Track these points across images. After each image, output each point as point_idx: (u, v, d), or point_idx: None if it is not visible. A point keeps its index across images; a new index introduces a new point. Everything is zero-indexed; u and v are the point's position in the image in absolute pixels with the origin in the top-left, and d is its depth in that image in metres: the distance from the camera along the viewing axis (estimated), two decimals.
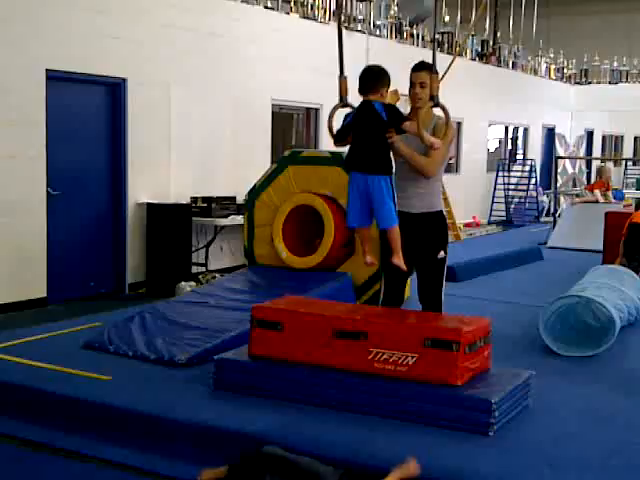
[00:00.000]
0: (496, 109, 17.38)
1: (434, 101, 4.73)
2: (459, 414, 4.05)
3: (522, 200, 18.01)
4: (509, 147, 19.50)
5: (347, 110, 4.76)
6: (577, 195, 12.12)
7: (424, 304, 5.01)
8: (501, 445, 3.89)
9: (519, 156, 19.37)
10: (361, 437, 3.92)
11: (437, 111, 4.85)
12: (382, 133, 4.55)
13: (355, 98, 4.74)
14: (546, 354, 5.73)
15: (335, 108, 4.84)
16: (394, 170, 4.66)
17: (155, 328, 5.63)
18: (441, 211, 4.99)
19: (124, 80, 8.62)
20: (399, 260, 4.68)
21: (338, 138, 4.77)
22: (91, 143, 8.51)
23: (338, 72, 4.90)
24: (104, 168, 8.69)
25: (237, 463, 3.64)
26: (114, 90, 8.63)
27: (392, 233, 4.66)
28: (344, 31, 7.83)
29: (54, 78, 7.91)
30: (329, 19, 11.71)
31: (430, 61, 4.89)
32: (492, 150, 18.89)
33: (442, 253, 4.95)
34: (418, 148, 4.75)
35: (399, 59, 7.99)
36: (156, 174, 9.13)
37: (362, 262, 6.40)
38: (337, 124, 4.78)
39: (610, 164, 17.86)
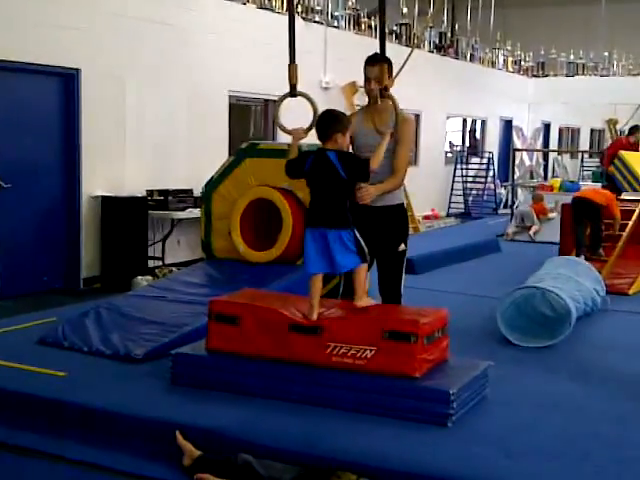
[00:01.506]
0: (454, 101, 17.46)
1: (385, 92, 4.70)
2: (418, 405, 4.06)
3: (480, 192, 18.15)
4: (467, 140, 19.61)
5: (296, 100, 4.62)
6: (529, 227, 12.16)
7: (384, 296, 5.01)
8: (459, 435, 3.90)
9: (477, 148, 19.49)
10: (320, 430, 3.91)
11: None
12: (340, 189, 4.32)
13: (307, 85, 4.61)
14: (503, 345, 5.77)
15: (283, 97, 4.76)
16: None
17: (111, 323, 5.55)
18: (402, 204, 4.99)
19: (77, 71, 8.47)
20: (363, 303, 4.44)
21: (289, 171, 4.55)
22: (44, 135, 8.36)
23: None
24: (57, 161, 8.54)
25: (209, 457, 3.65)
26: (67, 81, 8.48)
27: (357, 273, 4.41)
28: (302, 22, 7.81)
29: (4, 69, 7.75)
30: (286, 9, 11.63)
31: (388, 53, 4.88)
32: (456, 145, 18.99)
33: (402, 246, 4.95)
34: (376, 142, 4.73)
35: (357, 50, 7.95)
36: (111, 167, 9.00)
37: None
38: (288, 116, 4.67)
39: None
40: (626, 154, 11.54)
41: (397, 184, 4.83)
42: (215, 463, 3.68)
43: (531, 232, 12.09)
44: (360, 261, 4.38)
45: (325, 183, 4.34)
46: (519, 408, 4.39)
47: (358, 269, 4.41)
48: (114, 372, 4.83)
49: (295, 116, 5.09)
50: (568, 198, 11.33)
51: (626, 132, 13.39)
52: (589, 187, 10.02)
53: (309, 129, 4.83)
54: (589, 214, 8.77)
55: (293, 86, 4.75)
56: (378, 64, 4.79)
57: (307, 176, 4.44)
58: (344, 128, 4.36)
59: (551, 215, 12.12)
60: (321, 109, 4.71)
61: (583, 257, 8.28)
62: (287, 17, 5.18)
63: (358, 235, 4.38)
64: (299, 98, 4.99)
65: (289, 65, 4.73)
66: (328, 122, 4.36)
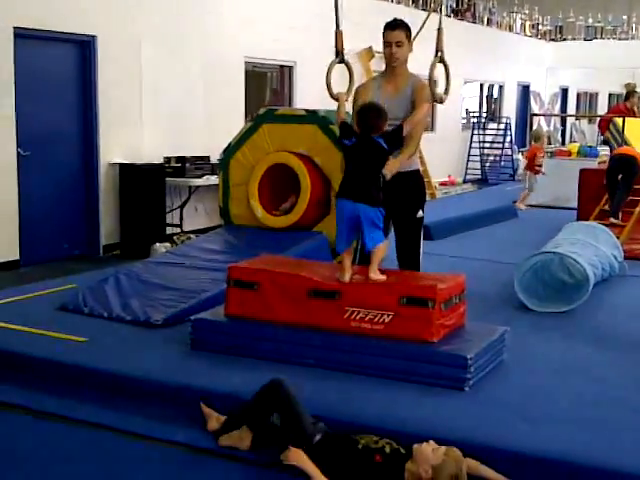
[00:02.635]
0: (471, 66, 17.27)
1: (440, 57, 4.69)
2: (435, 370, 4.09)
3: (497, 159, 18.03)
4: (484, 105, 19.45)
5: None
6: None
7: (401, 262, 5.03)
8: (476, 400, 3.93)
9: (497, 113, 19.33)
10: (338, 394, 3.95)
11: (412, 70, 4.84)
12: (380, 161, 4.39)
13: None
14: (521, 310, 5.78)
15: (332, 64, 4.74)
16: None
17: (130, 289, 5.60)
18: (418, 170, 4.99)
19: (94, 37, 8.45)
20: (374, 274, 4.43)
21: (341, 132, 4.57)
22: (61, 102, 8.37)
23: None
24: (75, 128, 8.56)
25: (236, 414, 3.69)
26: (84, 48, 8.47)
27: (381, 250, 4.46)
28: None
29: (22, 36, 7.74)
30: None
31: (404, 18, 4.85)
32: (472, 112, 18.80)
33: (420, 212, 4.95)
34: (399, 109, 4.71)
35: (373, 15, 7.91)
36: (128, 134, 9.01)
37: None
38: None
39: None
40: (619, 120, 11.43)
41: (413, 151, 4.80)
42: (242, 417, 3.72)
43: (518, 203, 11.55)
44: (384, 238, 4.46)
45: (367, 158, 4.38)
46: (536, 373, 4.41)
47: (380, 245, 4.43)
48: (134, 338, 4.89)
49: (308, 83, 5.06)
50: (586, 163, 11.30)
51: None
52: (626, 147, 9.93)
53: (349, 91, 5.04)
54: (628, 172, 8.81)
55: (339, 52, 4.72)
56: (399, 28, 4.77)
57: (348, 150, 4.47)
58: (386, 122, 4.41)
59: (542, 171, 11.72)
60: (338, 75, 4.71)
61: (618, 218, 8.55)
62: None
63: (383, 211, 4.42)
64: (319, 64, 4.96)
65: (335, 31, 4.72)
66: (375, 118, 4.39)
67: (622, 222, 8.57)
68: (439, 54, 4.89)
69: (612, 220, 8.52)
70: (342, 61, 4.70)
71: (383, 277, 4.45)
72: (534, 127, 18.00)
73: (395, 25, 4.80)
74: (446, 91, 4.77)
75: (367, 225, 4.33)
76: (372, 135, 4.37)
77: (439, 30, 4.73)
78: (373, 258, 4.44)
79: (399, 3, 14.29)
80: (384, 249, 4.48)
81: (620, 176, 8.89)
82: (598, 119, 14.11)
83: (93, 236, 8.74)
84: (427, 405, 3.84)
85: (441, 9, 4.96)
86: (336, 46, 4.71)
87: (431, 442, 3.30)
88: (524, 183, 12.05)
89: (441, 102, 4.82)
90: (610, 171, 9.02)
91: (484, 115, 18.93)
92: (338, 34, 4.75)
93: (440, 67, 4.87)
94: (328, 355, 4.31)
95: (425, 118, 4.88)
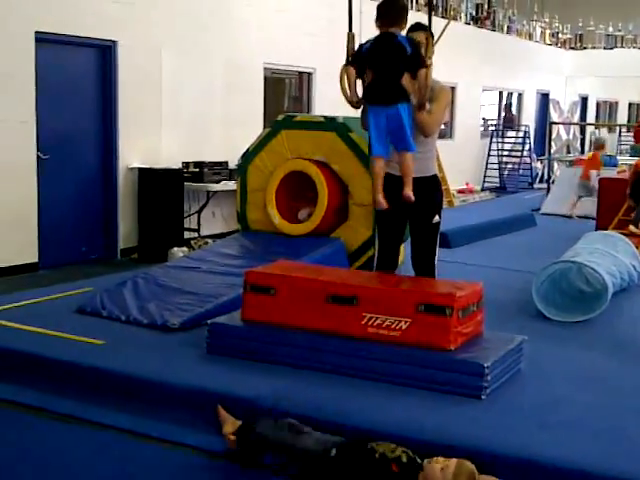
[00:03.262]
0: (490, 74, 17.27)
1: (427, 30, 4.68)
2: (452, 378, 4.07)
3: (516, 166, 17.96)
4: (503, 113, 19.39)
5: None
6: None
7: (417, 269, 5.01)
8: (493, 408, 3.91)
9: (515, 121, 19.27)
10: (354, 401, 3.94)
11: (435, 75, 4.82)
12: (404, 65, 4.47)
13: (343, 54, 4.65)
14: (539, 319, 5.75)
15: (344, 67, 4.73)
16: None
17: (148, 293, 5.61)
18: (436, 175, 4.97)
19: (114, 42, 8.51)
20: (410, 192, 4.60)
21: (352, 62, 4.65)
22: (81, 107, 8.42)
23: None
24: (94, 132, 8.61)
25: (251, 423, 3.69)
26: (104, 53, 8.52)
27: (408, 160, 4.60)
28: None
29: (43, 40, 7.81)
30: None
31: (425, 24, 4.84)
32: (489, 120, 18.75)
33: (437, 218, 4.93)
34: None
35: None
36: (147, 139, 9.06)
37: (355, 228, 6.46)
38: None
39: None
40: None
41: (430, 124, 4.73)
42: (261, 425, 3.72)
43: (572, 211, 11.36)
44: (412, 147, 4.56)
45: (390, 60, 4.48)
46: (554, 382, 4.37)
47: (406, 155, 4.57)
48: (151, 341, 4.90)
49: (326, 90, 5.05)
50: (605, 172, 11.23)
51: None
52: None
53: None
54: None
55: (349, 55, 4.73)
56: (420, 31, 4.77)
57: (367, 59, 4.57)
58: (406, 17, 4.59)
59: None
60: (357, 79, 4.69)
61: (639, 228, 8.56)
62: None
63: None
64: (337, 70, 4.93)
65: (347, 34, 4.76)
66: (401, 8, 4.61)
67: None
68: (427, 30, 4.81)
69: (632, 229, 8.48)
70: (353, 65, 4.68)
71: (412, 198, 4.58)
72: (553, 135, 17.93)
73: (417, 27, 4.80)
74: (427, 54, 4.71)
75: (400, 125, 4.46)
76: (393, 30, 4.48)
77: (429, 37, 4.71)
78: (404, 172, 4.60)
79: (418, 11, 14.28)
80: (411, 159, 4.61)
81: None
82: (634, 129, 13.96)
83: (111, 240, 8.79)
84: (444, 413, 3.82)
85: (430, 15, 4.90)
86: (347, 49, 4.73)
87: (440, 459, 3.25)
88: (580, 191, 11.76)
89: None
90: (636, 183, 8.99)
91: (502, 123, 18.88)
92: (350, 37, 4.76)
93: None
94: (344, 361, 4.30)
95: (445, 108, 4.88)
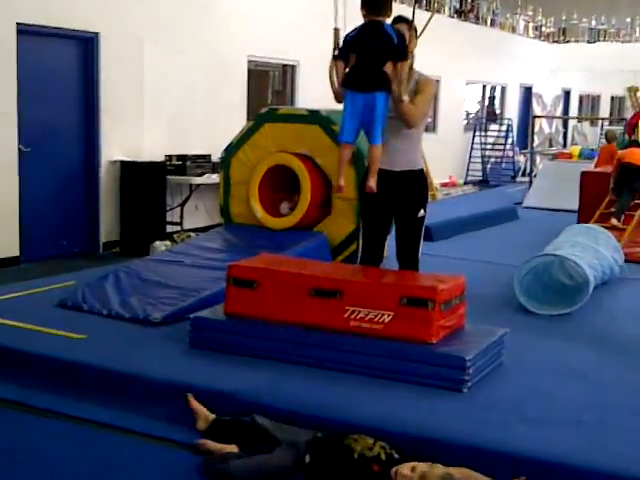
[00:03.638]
0: (474, 67, 17.29)
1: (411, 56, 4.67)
2: (433, 371, 4.08)
3: (499, 160, 18.03)
4: (486, 106, 19.43)
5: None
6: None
7: (401, 262, 5.01)
8: (475, 401, 3.92)
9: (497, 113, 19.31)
10: (336, 394, 3.94)
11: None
12: (390, 54, 4.50)
13: (328, 46, 4.64)
14: (521, 312, 5.78)
15: (333, 61, 4.73)
16: None
17: (130, 287, 5.59)
18: (422, 169, 4.97)
19: (96, 34, 8.45)
20: (374, 183, 4.67)
21: (340, 56, 4.67)
22: (63, 99, 8.37)
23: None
24: (76, 125, 8.56)
25: (225, 419, 3.69)
26: (86, 44, 8.46)
27: (376, 151, 4.66)
28: None
29: (25, 32, 7.74)
30: None
31: (407, 16, 4.84)
32: (471, 114, 18.78)
33: (422, 212, 4.94)
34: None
35: None
36: (129, 131, 9.01)
37: (339, 222, 6.44)
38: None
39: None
40: None
41: (414, 114, 4.71)
42: (230, 425, 3.72)
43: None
44: (377, 140, 4.60)
45: (375, 47, 4.50)
46: (535, 375, 4.40)
47: (377, 147, 4.63)
48: (133, 335, 4.88)
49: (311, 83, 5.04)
50: (587, 166, 11.28)
51: None
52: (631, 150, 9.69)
53: None
54: (633, 178, 8.85)
55: (336, 49, 4.75)
56: (402, 22, 4.76)
57: (352, 45, 4.58)
58: (392, 6, 4.61)
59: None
60: None
61: (620, 221, 8.57)
62: None
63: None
64: (321, 63, 4.94)
65: (334, 29, 4.76)
66: None
67: (622, 225, 8.56)
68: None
69: (614, 222, 8.53)
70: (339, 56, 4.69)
71: (374, 189, 4.66)
72: (536, 129, 17.99)
73: (399, 19, 4.79)
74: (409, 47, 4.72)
75: (375, 115, 4.50)
76: (380, 18, 4.51)
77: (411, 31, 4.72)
78: (372, 165, 4.66)
79: (402, 3, 14.26)
80: (379, 152, 4.66)
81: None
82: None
83: (93, 233, 8.75)
84: (425, 406, 3.83)
85: (414, 9, 4.92)
86: (334, 43, 4.73)
87: (407, 466, 3.24)
88: None
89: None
90: (617, 177, 9.04)
91: (485, 116, 18.92)
92: (336, 32, 4.76)
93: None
94: (327, 355, 4.30)
95: (430, 100, 4.88)
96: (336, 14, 4.90)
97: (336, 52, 4.70)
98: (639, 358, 4.81)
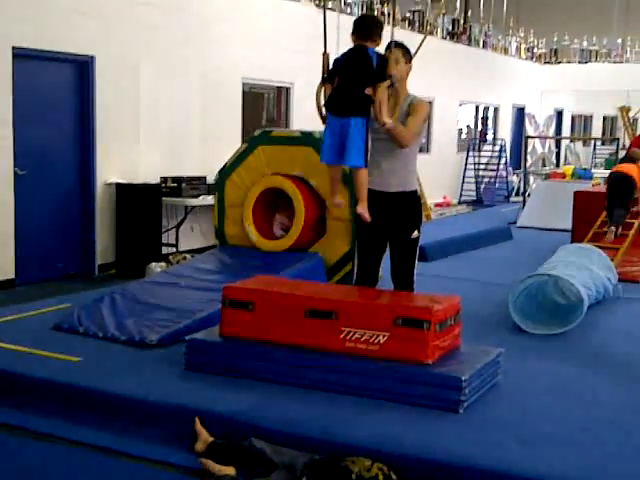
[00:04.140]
0: (467, 88, 17.38)
1: (391, 80, 4.70)
2: (430, 392, 4.08)
3: (492, 180, 18.09)
4: (479, 127, 19.52)
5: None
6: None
7: (396, 283, 5.02)
8: (471, 422, 3.93)
9: (489, 136, 19.38)
10: (333, 416, 3.94)
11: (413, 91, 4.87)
12: (368, 78, 4.56)
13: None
14: (515, 332, 5.79)
15: (321, 85, 4.79)
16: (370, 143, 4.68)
17: (125, 309, 5.59)
18: (416, 191, 4.99)
19: (92, 58, 8.49)
20: (363, 209, 4.70)
21: (327, 80, 4.73)
22: (59, 122, 8.39)
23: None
24: (72, 147, 8.58)
25: (222, 442, 3.70)
26: (82, 68, 8.50)
27: (359, 176, 4.70)
28: (315, 8, 7.69)
29: (21, 56, 7.78)
30: None
31: (401, 40, 4.89)
32: (465, 132, 18.86)
33: (416, 233, 4.96)
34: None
35: None
36: (125, 154, 9.03)
37: (333, 243, 6.47)
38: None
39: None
40: None
41: (405, 136, 4.73)
42: (227, 448, 3.72)
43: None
44: (365, 164, 4.62)
45: (356, 71, 4.57)
46: (531, 395, 4.41)
47: (361, 172, 4.66)
48: (128, 358, 4.88)
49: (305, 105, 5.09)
50: (580, 185, 11.34)
51: (639, 120, 13.30)
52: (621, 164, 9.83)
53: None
54: (624, 188, 8.86)
55: (328, 73, 4.81)
56: (398, 47, 4.81)
57: (338, 69, 4.66)
58: (381, 33, 4.68)
59: None
60: None
61: (614, 233, 8.56)
62: (299, 4, 5.22)
63: (369, 135, 4.62)
64: (315, 85, 4.97)
65: (323, 54, 4.82)
66: (377, 23, 4.74)
67: (609, 242, 8.52)
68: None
69: (609, 234, 8.55)
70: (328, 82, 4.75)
71: (367, 216, 4.68)
72: (528, 149, 18.07)
73: (395, 44, 4.83)
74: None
75: (350, 136, 4.51)
76: (367, 44, 4.59)
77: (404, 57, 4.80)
78: (357, 188, 4.70)
79: (395, 26, 14.36)
80: (364, 177, 4.68)
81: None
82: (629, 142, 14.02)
83: (88, 255, 8.74)
84: (421, 427, 3.84)
85: (393, 16, 5.06)
86: (323, 68, 4.79)
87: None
88: None
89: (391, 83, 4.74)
90: (609, 188, 9.07)
91: (479, 137, 19.01)
92: (325, 56, 4.83)
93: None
94: (323, 376, 4.30)
95: (422, 122, 4.88)
96: (325, 39, 4.96)
97: (325, 77, 4.77)
98: (634, 377, 4.82)
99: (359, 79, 4.57)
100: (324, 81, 4.76)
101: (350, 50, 4.67)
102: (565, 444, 3.69)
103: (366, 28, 4.66)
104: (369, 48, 4.61)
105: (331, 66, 4.75)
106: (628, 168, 9.17)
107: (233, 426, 3.87)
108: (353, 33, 4.67)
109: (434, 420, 3.92)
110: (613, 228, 8.61)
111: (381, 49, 4.76)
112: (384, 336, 4.25)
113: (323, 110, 4.75)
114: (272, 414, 3.95)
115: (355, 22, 4.71)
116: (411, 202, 4.95)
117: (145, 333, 5.14)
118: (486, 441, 3.70)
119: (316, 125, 6.31)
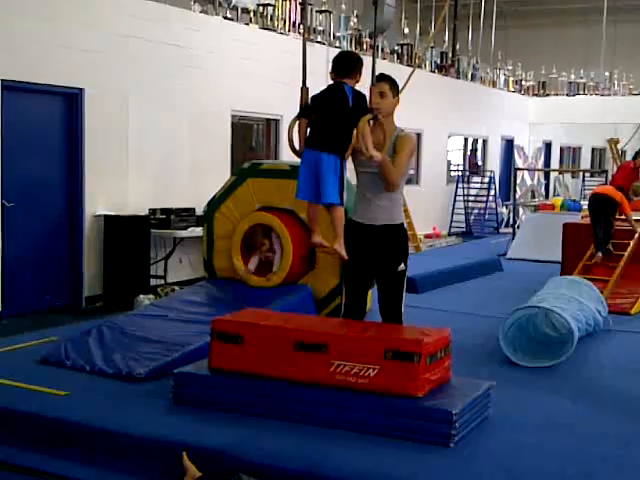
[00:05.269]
0: (455, 121, 17.51)
1: (373, 113, 4.72)
2: (420, 425, 4.05)
3: (482, 211, 18.16)
4: (468, 159, 19.62)
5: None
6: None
7: (384, 316, 5.00)
8: (461, 455, 3.89)
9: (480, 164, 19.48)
10: (322, 450, 3.90)
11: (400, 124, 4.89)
12: (343, 116, 4.59)
13: None
14: (506, 365, 5.76)
15: (295, 118, 4.82)
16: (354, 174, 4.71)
17: (113, 342, 5.54)
18: (402, 224, 4.97)
19: (81, 90, 8.52)
20: (340, 246, 4.71)
21: (303, 114, 4.77)
22: (48, 154, 8.40)
23: (299, 82, 4.89)
24: (61, 179, 8.57)
25: (210, 477, 3.65)
26: (71, 100, 8.53)
27: (335, 212, 4.70)
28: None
29: (10, 88, 7.80)
30: (289, 30, 11.71)
31: (389, 73, 4.91)
32: (455, 164, 18.95)
33: (402, 266, 4.93)
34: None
35: None
36: (114, 185, 9.03)
37: (323, 276, 6.46)
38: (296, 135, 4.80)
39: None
40: None
41: (394, 178, 4.72)
42: None
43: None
44: (340, 201, 4.64)
45: (332, 108, 4.61)
46: (522, 428, 4.37)
47: (336, 208, 4.67)
48: (116, 391, 4.83)
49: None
50: (569, 217, 11.37)
51: (627, 151, 13.43)
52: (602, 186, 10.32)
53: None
54: (605, 209, 9.07)
55: (303, 108, 4.83)
56: (384, 81, 4.83)
57: (315, 104, 4.70)
58: (361, 70, 4.70)
59: None
60: None
61: (601, 254, 8.84)
62: (288, 38, 5.25)
63: (346, 172, 4.64)
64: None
65: (301, 88, 4.84)
66: (355, 61, 4.72)
67: (613, 251, 8.84)
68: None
69: (598, 257, 8.85)
70: (305, 116, 4.79)
71: (343, 253, 4.70)
72: (518, 181, 18.16)
73: (381, 77, 4.86)
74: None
75: (324, 173, 4.54)
76: (345, 81, 4.62)
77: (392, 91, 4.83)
78: (335, 224, 4.70)
79: (384, 59, 14.49)
80: (341, 214, 4.71)
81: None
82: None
83: (76, 288, 8.70)
84: (412, 461, 3.80)
85: (374, 47, 5.09)
86: (301, 103, 4.82)
87: None
88: None
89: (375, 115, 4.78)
90: (590, 210, 9.34)
91: (468, 169, 19.10)
92: (303, 90, 4.86)
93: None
94: (313, 410, 4.26)
95: (408, 158, 4.85)
96: (304, 72, 5.01)
97: (300, 110, 4.81)
98: (625, 410, 4.80)
99: (334, 116, 4.61)
100: (299, 116, 4.79)
101: (328, 87, 4.72)
102: (555, 478, 3.66)
103: (343, 65, 4.69)
104: (346, 85, 4.64)
105: (310, 102, 4.78)
106: (606, 189, 9.60)
107: (221, 461, 3.82)
108: (332, 71, 4.72)
109: (424, 454, 3.88)
110: (600, 254, 8.85)
111: (366, 84, 4.78)
112: (374, 369, 4.21)
113: (295, 143, 4.78)
114: (261, 448, 3.90)
115: (333, 60, 4.74)
116: (397, 235, 4.93)
117: (133, 366, 5.10)
118: (477, 475, 3.67)
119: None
